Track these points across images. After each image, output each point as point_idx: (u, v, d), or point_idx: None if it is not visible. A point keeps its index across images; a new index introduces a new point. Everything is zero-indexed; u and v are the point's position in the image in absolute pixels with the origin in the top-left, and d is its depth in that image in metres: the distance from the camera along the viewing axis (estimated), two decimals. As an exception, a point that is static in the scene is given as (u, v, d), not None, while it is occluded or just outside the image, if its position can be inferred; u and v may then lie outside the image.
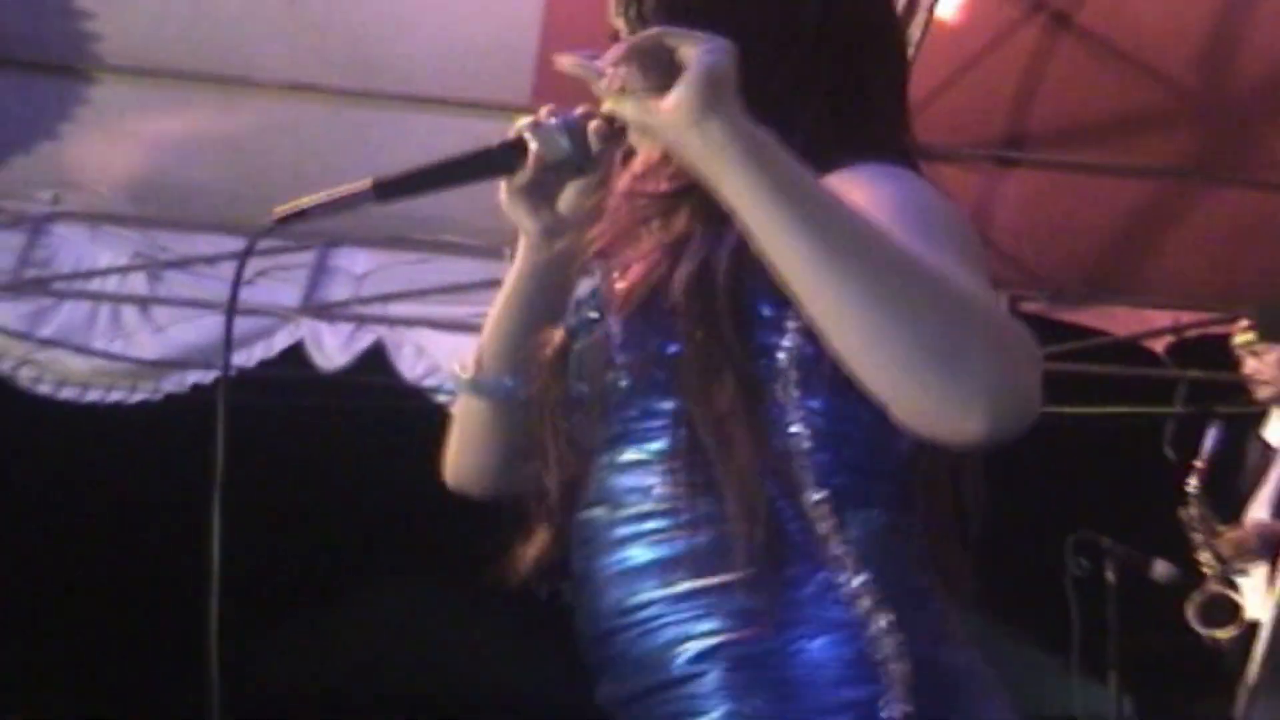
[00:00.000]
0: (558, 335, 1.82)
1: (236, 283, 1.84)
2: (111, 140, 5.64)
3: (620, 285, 1.73)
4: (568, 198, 1.82)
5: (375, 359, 6.12)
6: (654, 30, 1.52)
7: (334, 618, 14.76)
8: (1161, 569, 4.64)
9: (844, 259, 1.40)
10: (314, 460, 8.99)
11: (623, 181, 1.82)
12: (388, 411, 6.52)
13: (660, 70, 1.49)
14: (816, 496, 1.60)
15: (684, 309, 1.63)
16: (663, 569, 1.61)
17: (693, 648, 1.57)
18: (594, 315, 1.76)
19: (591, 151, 1.77)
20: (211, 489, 1.80)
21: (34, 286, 6.03)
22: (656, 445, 1.66)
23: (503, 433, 1.89)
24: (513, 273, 1.89)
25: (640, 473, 1.66)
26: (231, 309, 1.94)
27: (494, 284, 6.03)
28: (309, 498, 10.34)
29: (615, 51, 1.52)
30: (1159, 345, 6.22)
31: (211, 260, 6.04)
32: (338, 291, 6.13)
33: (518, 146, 1.78)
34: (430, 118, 5.33)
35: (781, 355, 1.63)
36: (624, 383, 1.68)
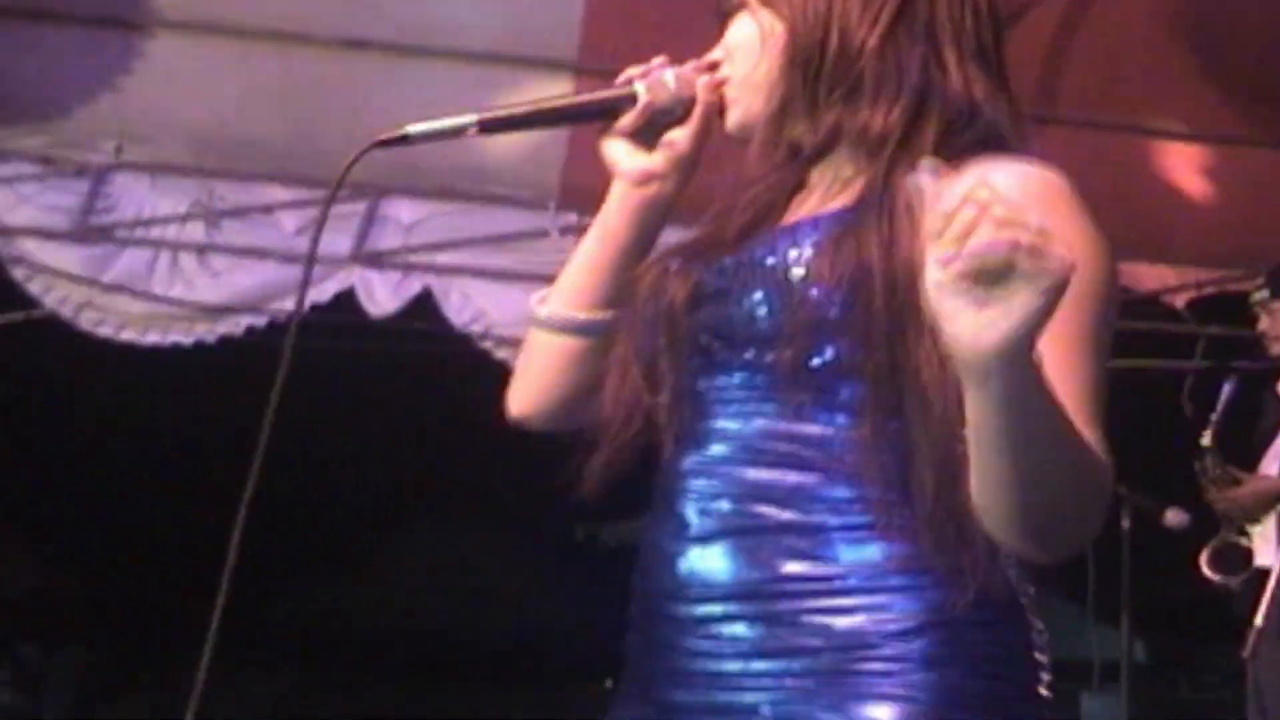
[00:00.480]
0: (685, 286, 1.77)
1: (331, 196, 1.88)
2: (170, 93, 5.70)
3: (784, 255, 1.69)
4: (664, 146, 1.85)
5: (423, 306, 6.17)
6: (1015, 240, 1.35)
7: (378, 556, 14.84)
8: (1174, 516, 4.66)
9: (1027, 485, 1.49)
10: (361, 403, 9.05)
11: (751, 151, 1.83)
12: (434, 357, 6.56)
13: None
14: None
15: (883, 277, 1.61)
16: (847, 541, 1.63)
17: (895, 623, 1.61)
18: (738, 272, 1.72)
19: (696, 104, 1.83)
20: (263, 427, 1.85)
21: (96, 233, 6.09)
22: (800, 424, 1.66)
23: (574, 367, 1.89)
24: (602, 213, 1.90)
25: (803, 443, 1.66)
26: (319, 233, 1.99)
27: (538, 234, 6.08)
28: (356, 439, 10.41)
29: (962, 256, 1.37)
30: (1180, 301, 6.23)
31: (267, 209, 6.10)
32: (387, 240, 6.17)
33: (626, 94, 1.84)
34: (480, 73, 5.38)
35: None
36: (774, 355, 1.66)
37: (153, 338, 6.21)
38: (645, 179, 1.86)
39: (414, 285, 6.16)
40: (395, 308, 6.14)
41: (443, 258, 6.20)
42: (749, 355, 1.68)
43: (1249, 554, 4.71)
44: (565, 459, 1.85)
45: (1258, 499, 4.73)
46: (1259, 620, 4.08)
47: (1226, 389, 4.94)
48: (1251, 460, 4.93)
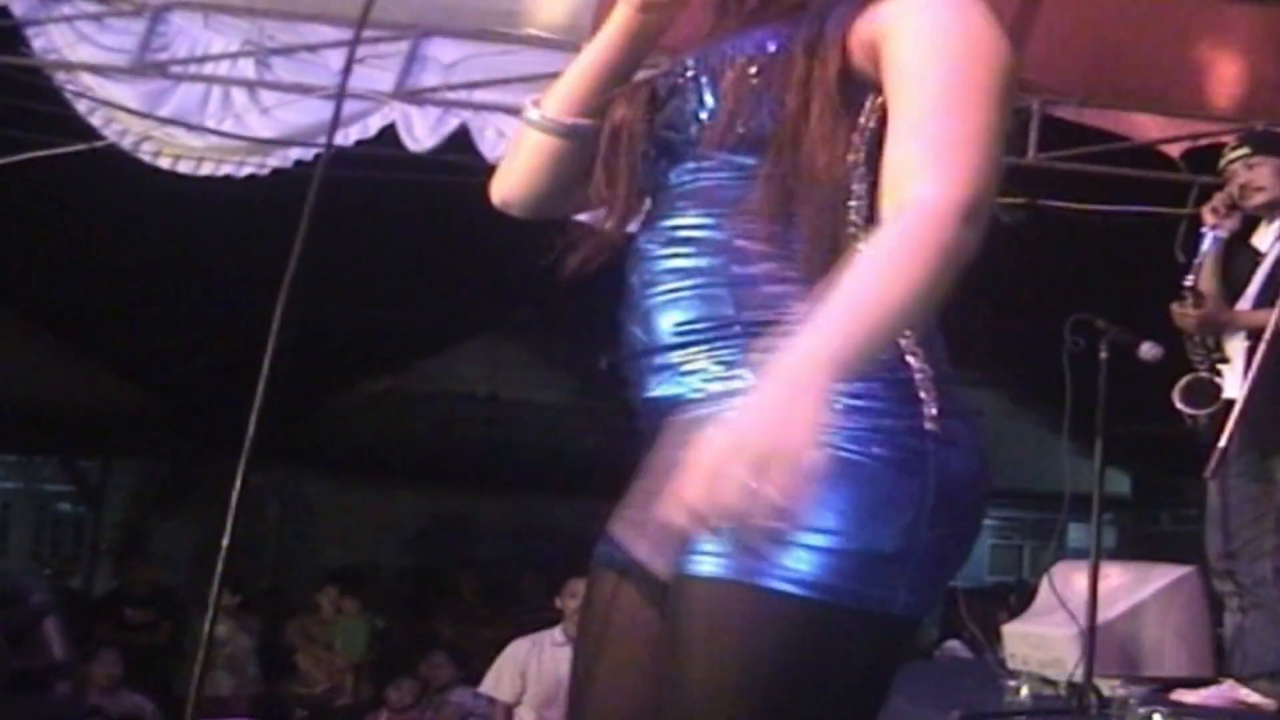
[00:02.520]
0: (648, 85, 1.96)
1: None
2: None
3: (727, 57, 1.85)
4: None
5: (460, 140, 6.20)
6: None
7: (416, 375, 14.99)
8: (1149, 349, 4.69)
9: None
10: (401, 231, 9.11)
11: None
12: (469, 188, 6.59)
13: None
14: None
15: (800, 69, 1.78)
16: (733, 299, 1.78)
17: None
18: (691, 74, 1.88)
19: None
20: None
21: (153, 69, 6.13)
22: (732, 193, 1.82)
23: (562, 165, 2.03)
24: (602, 35, 2.02)
25: (712, 213, 1.83)
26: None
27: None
28: (393, 266, 10.47)
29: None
30: (1176, 151, 6.23)
31: (313, 48, 6.13)
32: (428, 79, 6.20)
33: None
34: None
35: (859, 128, 1.80)
36: (712, 135, 1.83)
37: (207, 169, 6.28)
38: (647, 7, 1.97)
39: (452, 121, 6.20)
40: (433, 143, 6.18)
41: (480, 95, 6.23)
42: (693, 132, 1.86)
43: (1219, 388, 4.77)
44: (588, 293, 1.96)
45: (1204, 320, 4.78)
46: (1223, 441, 4.15)
47: (1209, 236, 4.95)
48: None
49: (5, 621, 4.94)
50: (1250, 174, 4.87)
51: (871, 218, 1.76)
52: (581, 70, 2.02)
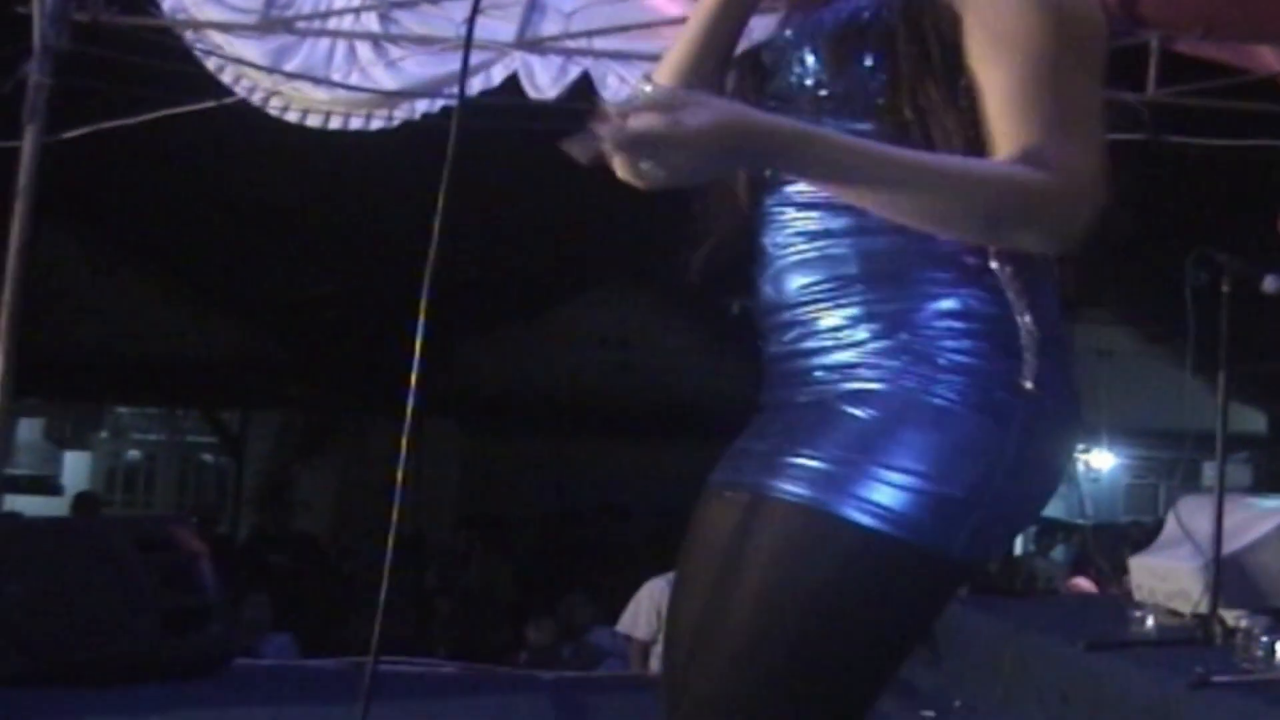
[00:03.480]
0: (754, 56, 2.01)
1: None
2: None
3: (826, 25, 1.91)
4: None
5: (583, 88, 6.24)
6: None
7: (548, 324, 15.11)
8: (1271, 282, 4.64)
9: (901, 214, 1.78)
10: (527, 180, 9.20)
11: None
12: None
13: None
14: None
15: (903, 35, 1.83)
16: (857, 259, 1.86)
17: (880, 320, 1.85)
18: (794, 43, 1.94)
19: None
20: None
21: (279, 26, 6.24)
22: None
23: None
24: (701, 6, 2.07)
25: None
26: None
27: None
28: (521, 215, 10.57)
29: None
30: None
31: (436, 1, 6.19)
32: (549, 28, 6.26)
33: None
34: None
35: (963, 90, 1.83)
36: (817, 103, 1.88)
37: (335, 123, 6.38)
38: None
39: (573, 70, 6.26)
40: (556, 92, 6.23)
41: (600, 43, 6.28)
42: (803, 101, 1.90)
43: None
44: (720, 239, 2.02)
45: None
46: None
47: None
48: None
49: (159, 564, 5.13)
50: None
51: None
52: (687, 43, 2.08)
